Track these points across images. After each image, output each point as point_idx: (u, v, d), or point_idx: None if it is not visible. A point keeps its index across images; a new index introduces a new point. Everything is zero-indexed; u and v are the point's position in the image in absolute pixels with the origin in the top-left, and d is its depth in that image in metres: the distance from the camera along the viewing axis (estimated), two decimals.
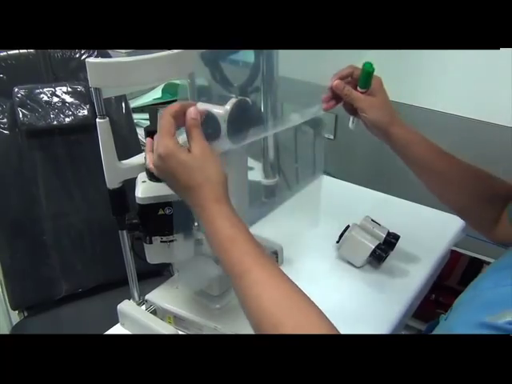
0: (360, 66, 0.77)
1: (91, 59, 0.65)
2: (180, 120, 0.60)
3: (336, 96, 0.78)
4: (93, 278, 1.29)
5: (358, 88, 0.77)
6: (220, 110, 0.64)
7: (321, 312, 0.52)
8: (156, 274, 1.28)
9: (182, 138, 0.62)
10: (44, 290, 1.26)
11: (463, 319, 0.53)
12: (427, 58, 1.28)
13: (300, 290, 0.54)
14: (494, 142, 1.25)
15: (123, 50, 2.02)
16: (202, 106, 0.65)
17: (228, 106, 0.64)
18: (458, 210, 0.80)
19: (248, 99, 0.67)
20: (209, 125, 0.64)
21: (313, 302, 0.53)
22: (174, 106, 0.60)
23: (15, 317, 1.29)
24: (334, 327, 0.51)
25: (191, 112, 0.59)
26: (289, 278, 0.55)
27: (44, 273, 1.25)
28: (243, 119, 0.66)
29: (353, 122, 0.81)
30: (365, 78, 0.76)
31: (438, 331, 0.59)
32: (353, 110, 0.78)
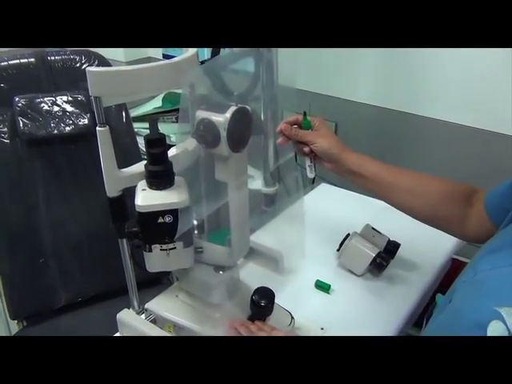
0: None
1: (92, 68, 0.65)
2: None
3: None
4: (92, 287, 1.29)
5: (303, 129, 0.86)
6: (220, 118, 0.64)
7: None
8: (156, 283, 1.28)
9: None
10: (43, 300, 1.25)
11: (469, 307, 0.53)
12: (427, 66, 1.29)
13: None
14: (496, 151, 1.25)
15: (123, 60, 2.04)
16: (202, 113, 0.66)
17: (228, 114, 0.64)
18: (424, 217, 0.81)
19: (247, 107, 0.68)
20: (208, 132, 0.64)
21: None
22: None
23: (14, 326, 1.28)
24: None
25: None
26: None
27: (43, 282, 1.25)
28: (242, 127, 0.67)
29: (310, 169, 0.87)
30: (306, 123, 0.86)
31: (445, 315, 0.59)
32: (304, 152, 0.85)
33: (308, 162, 0.87)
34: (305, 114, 0.87)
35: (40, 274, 1.24)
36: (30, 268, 1.23)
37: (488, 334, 0.47)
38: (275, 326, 0.77)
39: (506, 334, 0.46)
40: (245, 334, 0.71)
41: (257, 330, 0.73)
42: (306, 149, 0.84)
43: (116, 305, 0.87)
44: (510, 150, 1.20)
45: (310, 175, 0.88)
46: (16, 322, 1.27)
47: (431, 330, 0.63)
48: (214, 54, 1.19)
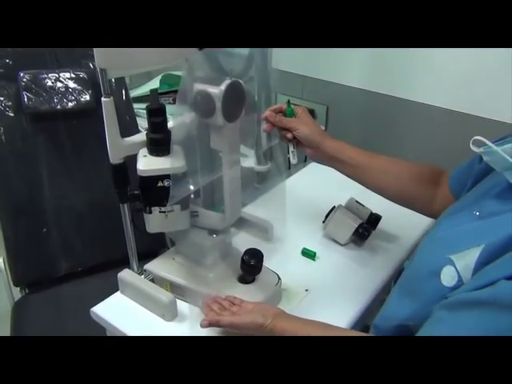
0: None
1: None
2: None
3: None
4: (92, 258, 1.35)
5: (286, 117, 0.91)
6: (215, 90, 0.70)
7: None
8: (154, 255, 1.34)
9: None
10: (45, 268, 1.31)
11: (427, 260, 0.61)
12: (417, 52, 1.33)
13: None
14: (484, 136, 1.30)
15: None
16: (199, 86, 0.72)
17: (222, 87, 0.70)
18: (395, 196, 0.88)
19: (240, 81, 0.74)
20: (205, 102, 0.70)
21: None
22: None
23: (17, 293, 1.34)
24: None
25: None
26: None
27: (45, 251, 1.31)
28: (236, 98, 0.73)
29: (293, 155, 0.92)
30: (290, 111, 0.91)
31: (403, 275, 0.67)
32: (287, 138, 0.90)
33: (291, 148, 0.92)
34: (288, 102, 0.92)
35: (42, 243, 1.30)
36: (33, 237, 1.29)
37: (441, 279, 0.55)
38: (259, 287, 0.84)
39: (456, 277, 0.53)
40: (217, 310, 0.77)
41: (228, 305, 0.79)
42: (289, 135, 0.89)
43: (114, 275, 0.93)
44: (499, 136, 1.25)
45: (293, 161, 0.93)
46: (18, 289, 1.33)
47: (396, 288, 0.70)
48: None
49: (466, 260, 0.53)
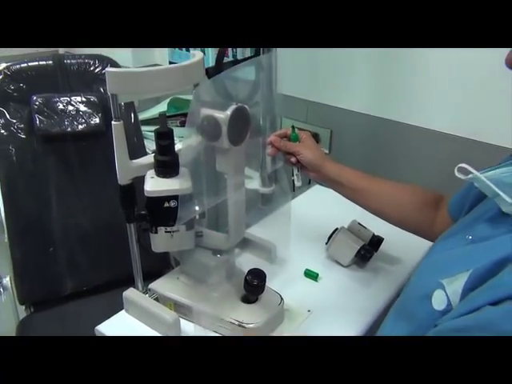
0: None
1: (110, 69, 0.74)
2: None
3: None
4: (98, 277, 1.36)
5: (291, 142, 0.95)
6: (221, 115, 0.73)
7: None
8: (158, 274, 1.36)
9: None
10: (51, 287, 1.33)
11: (419, 283, 0.62)
12: (419, 77, 1.37)
13: None
14: (488, 162, 1.31)
15: (131, 66, 2.14)
16: (206, 111, 0.75)
17: (228, 112, 0.73)
18: (397, 221, 0.90)
19: (246, 106, 0.77)
20: (211, 127, 0.73)
21: None
22: None
23: (22, 312, 1.35)
24: None
25: None
26: None
27: (51, 270, 1.33)
28: (241, 123, 0.76)
29: (297, 178, 0.96)
30: (294, 136, 0.95)
31: (399, 298, 0.68)
32: (291, 161, 0.93)
33: (295, 171, 0.96)
34: (293, 127, 0.96)
35: (49, 262, 1.32)
36: (39, 256, 1.31)
37: (432, 303, 0.56)
38: (262, 307, 0.84)
39: (445, 301, 0.55)
40: None
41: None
42: (293, 159, 0.93)
43: (120, 294, 0.94)
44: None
45: (298, 183, 0.97)
46: (24, 307, 1.34)
47: (391, 311, 0.72)
48: (218, 61, 1.28)
49: (455, 285, 0.54)
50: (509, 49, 0.56)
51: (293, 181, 0.97)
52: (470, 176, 0.59)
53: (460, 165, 0.60)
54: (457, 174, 0.60)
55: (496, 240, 0.55)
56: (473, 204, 0.72)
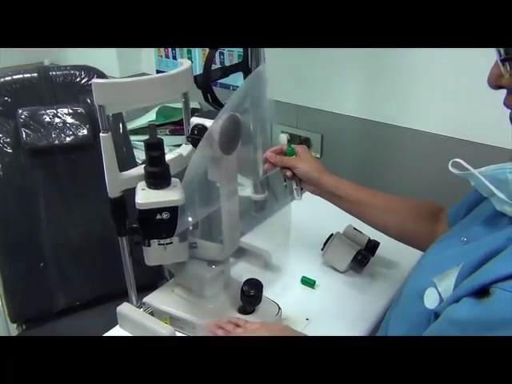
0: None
1: (97, 80, 0.73)
2: None
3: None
4: (90, 291, 1.34)
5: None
6: (213, 124, 0.71)
7: None
8: (152, 287, 1.34)
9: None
10: (43, 303, 1.30)
11: (413, 285, 0.62)
12: (412, 79, 1.36)
13: None
14: (483, 163, 1.30)
15: (118, 75, 2.12)
16: (196, 119, 0.73)
17: (220, 121, 0.72)
18: (395, 233, 0.89)
19: (237, 114, 0.75)
20: (202, 136, 0.72)
21: None
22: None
23: (14, 329, 1.32)
24: None
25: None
26: None
27: (43, 286, 1.30)
28: (233, 132, 0.74)
29: (297, 192, 0.97)
30: (290, 150, 0.94)
31: (399, 295, 0.67)
32: (288, 176, 0.93)
33: (294, 186, 0.96)
34: (289, 142, 0.95)
35: (40, 278, 1.30)
36: (30, 272, 1.28)
37: (424, 302, 0.56)
38: (260, 317, 0.83)
39: (437, 299, 0.54)
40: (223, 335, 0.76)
41: (233, 328, 0.78)
42: (289, 173, 0.92)
43: (113, 308, 0.92)
44: (497, 162, 1.26)
45: (297, 198, 0.97)
46: (16, 325, 1.32)
47: (388, 313, 0.71)
48: (206, 69, 1.27)
49: (447, 281, 0.54)
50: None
51: (292, 191, 0.97)
52: (465, 172, 0.59)
53: (454, 159, 0.59)
54: (451, 168, 0.59)
55: (489, 237, 0.55)
56: (470, 207, 0.71)
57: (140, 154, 1.55)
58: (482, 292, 0.47)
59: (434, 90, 1.32)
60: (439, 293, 0.54)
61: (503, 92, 0.62)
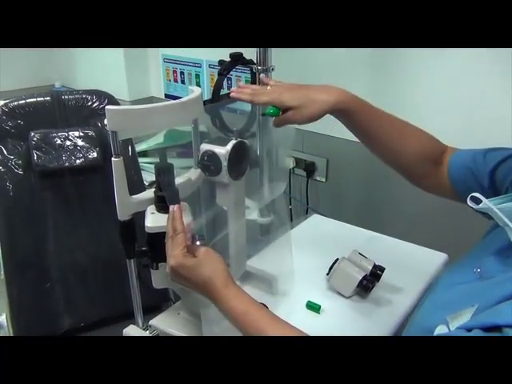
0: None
1: (110, 106, 0.75)
2: None
3: None
4: (95, 313, 1.34)
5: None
6: (222, 150, 0.73)
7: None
8: (157, 309, 1.34)
9: None
10: (48, 324, 1.30)
11: (424, 319, 0.61)
12: (420, 75, 1.38)
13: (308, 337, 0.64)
14: None
15: (127, 99, 2.16)
16: (206, 146, 0.75)
17: (228, 147, 0.74)
18: (400, 170, 0.87)
19: (245, 141, 0.77)
20: (211, 162, 0.74)
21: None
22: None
23: None
24: None
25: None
26: (298, 329, 0.67)
27: (48, 307, 1.30)
28: (241, 158, 0.76)
29: None
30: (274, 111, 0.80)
31: (404, 331, 0.67)
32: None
33: None
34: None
35: (46, 298, 1.30)
36: (36, 292, 1.29)
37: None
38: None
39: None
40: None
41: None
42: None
43: (118, 330, 0.93)
44: None
45: None
46: None
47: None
48: (215, 94, 1.30)
49: (459, 321, 0.53)
50: None
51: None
52: (481, 206, 0.59)
53: (472, 194, 0.60)
54: (469, 203, 0.60)
55: (505, 277, 0.55)
56: (471, 168, 0.72)
57: (147, 176, 1.57)
58: (493, 329, 0.47)
59: (443, 106, 1.34)
60: (449, 329, 0.54)
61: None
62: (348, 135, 1.55)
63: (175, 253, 0.71)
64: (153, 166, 0.82)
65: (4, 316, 1.29)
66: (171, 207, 0.73)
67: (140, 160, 1.57)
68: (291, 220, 1.32)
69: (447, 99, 1.33)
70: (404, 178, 0.88)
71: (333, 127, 1.57)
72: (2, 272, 1.28)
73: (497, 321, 0.47)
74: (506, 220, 0.56)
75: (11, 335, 1.30)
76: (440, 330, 0.55)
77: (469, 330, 0.49)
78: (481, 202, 0.59)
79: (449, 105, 1.34)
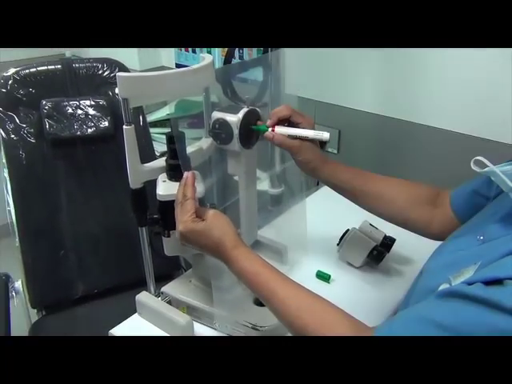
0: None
1: (122, 73, 0.74)
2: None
3: None
4: (108, 280, 1.37)
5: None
6: (233, 118, 0.73)
7: (340, 311, 0.63)
8: (168, 277, 1.36)
9: None
10: (62, 291, 1.34)
11: (428, 281, 0.62)
12: (429, 76, 1.35)
13: (318, 297, 0.66)
14: (499, 161, 1.31)
15: (138, 68, 2.14)
16: (217, 114, 0.75)
17: (240, 114, 0.73)
18: (393, 220, 0.87)
19: (257, 109, 0.77)
20: (223, 130, 0.73)
21: (331, 304, 0.65)
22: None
23: (34, 315, 1.36)
24: (354, 322, 0.63)
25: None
26: (308, 290, 0.67)
27: (62, 274, 1.33)
28: (253, 126, 0.75)
29: None
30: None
31: (414, 292, 0.68)
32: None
33: None
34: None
35: (60, 265, 1.33)
36: (50, 260, 1.32)
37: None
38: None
39: None
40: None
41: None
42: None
43: (130, 297, 0.94)
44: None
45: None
46: (36, 310, 1.35)
47: (400, 307, 0.71)
48: (226, 63, 1.28)
49: (462, 278, 0.54)
50: None
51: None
52: (486, 169, 0.59)
53: (476, 157, 0.60)
54: (473, 166, 0.60)
55: (507, 237, 0.55)
56: (476, 192, 0.71)
57: (158, 147, 1.57)
58: (494, 282, 0.47)
59: (454, 86, 1.32)
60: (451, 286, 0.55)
61: None
62: (360, 105, 1.55)
63: (184, 218, 0.72)
64: (164, 137, 0.82)
65: (20, 282, 1.32)
66: (185, 173, 0.73)
67: (151, 130, 1.57)
68: (301, 191, 1.32)
69: (462, 90, 1.31)
70: (413, 231, 0.87)
71: (345, 97, 1.57)
72: (17, 240, 1.30)
73: (498, 274, 0.47)
74: (510, 183, 0.56)
75: (26, 300, 1.33)
76: (442, 288, 0.55)
77: (470, 285, 0.49)
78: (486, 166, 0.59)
79: (462, 106, 1.32)
